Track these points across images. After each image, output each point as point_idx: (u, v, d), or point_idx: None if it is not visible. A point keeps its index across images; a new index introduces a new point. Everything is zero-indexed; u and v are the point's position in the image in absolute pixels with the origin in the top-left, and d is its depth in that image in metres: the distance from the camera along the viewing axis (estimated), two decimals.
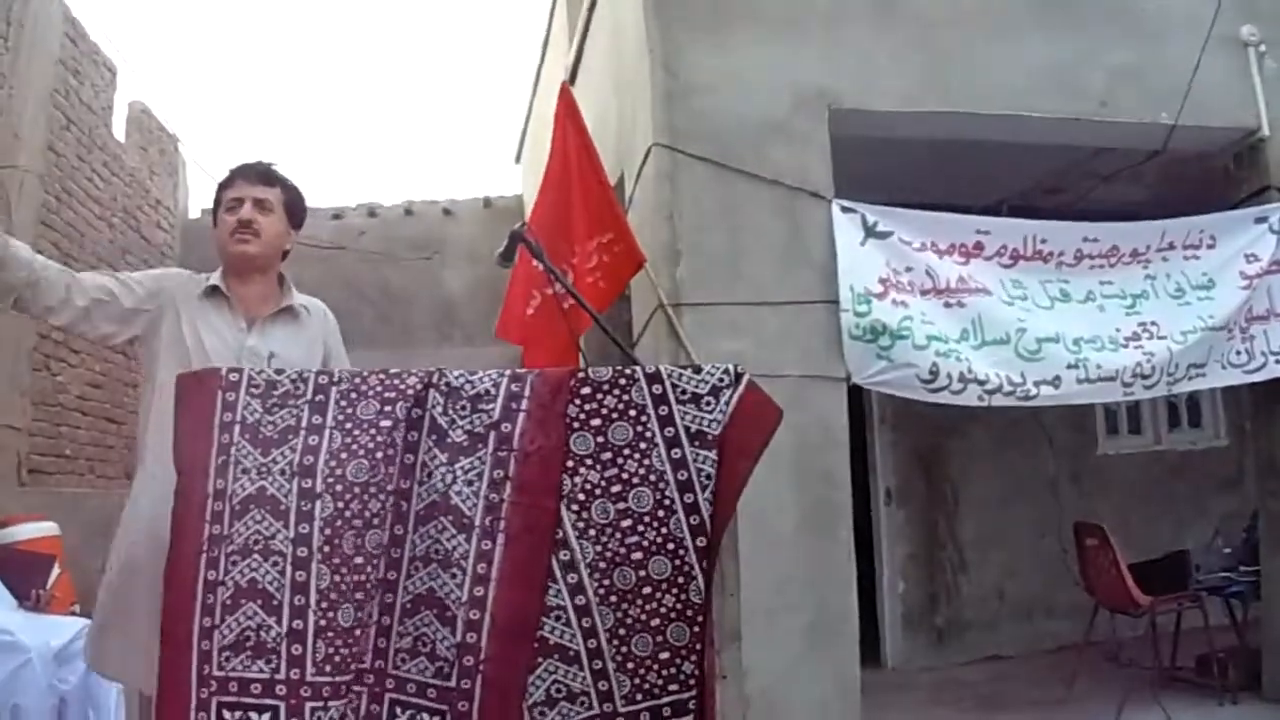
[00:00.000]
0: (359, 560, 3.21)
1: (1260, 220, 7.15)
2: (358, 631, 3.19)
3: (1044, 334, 6.55)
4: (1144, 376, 6.69)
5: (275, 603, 3.14)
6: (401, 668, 3.20)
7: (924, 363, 6.20)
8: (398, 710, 3.19)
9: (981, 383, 6.31)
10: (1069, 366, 6.54)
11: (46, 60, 9.01)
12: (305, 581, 3.16)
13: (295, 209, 4.19)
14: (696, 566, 3.27)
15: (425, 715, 3.16)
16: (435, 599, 3.16)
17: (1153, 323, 6.83)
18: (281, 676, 3.13)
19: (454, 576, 3.17)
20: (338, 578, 3.18)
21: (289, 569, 3.17)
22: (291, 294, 4.14)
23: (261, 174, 4.09)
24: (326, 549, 3.19)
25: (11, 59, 8.27)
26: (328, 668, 3.14)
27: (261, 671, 3.12)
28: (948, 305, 6.43)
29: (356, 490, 3.23)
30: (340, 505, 3.22)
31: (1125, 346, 6.72)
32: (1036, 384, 6.47)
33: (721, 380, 3.35)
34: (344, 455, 3.26)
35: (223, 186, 4.13)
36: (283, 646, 3.13)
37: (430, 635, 3.16)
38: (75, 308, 3.81)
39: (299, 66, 43.43)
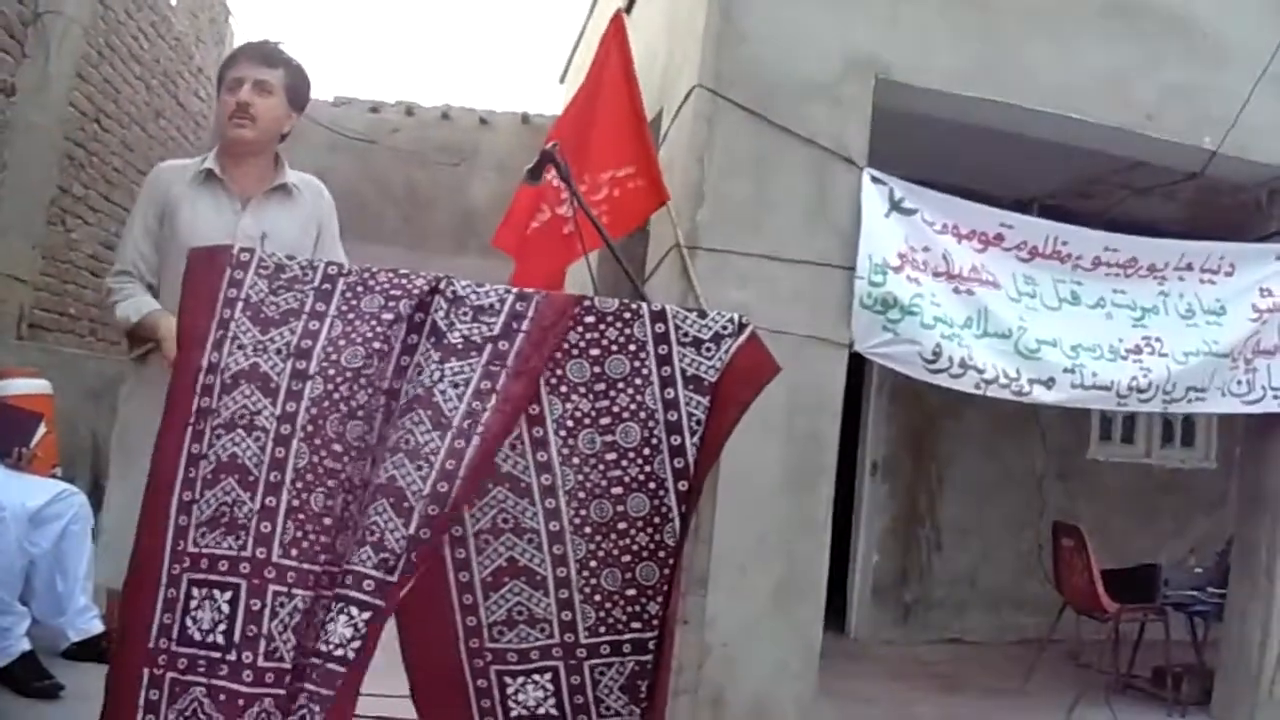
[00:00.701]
0: (338, 448, 3.22)
1: None
2: (327, 520, 3.19)
3: (1044, 336, 6.57)
4: (1139, 390, 6.72)
5: (251, 478, 3.16)
6: (348, 558, 3.08)
7: (928, 342, 6.21)
8: (331, 604, 3.05)
9: (980, 371, 6.33)
10: (1065, 370, 6.57)
11: None
12: (284, 458, 3.18)
13: (298, 91, 4.20)
14: (675, 509, 3.31)
15: (354, 609, 2.99)
16: (395, 488, 3.07)
17: (1157, 338, 6.85)
18: (247, 554, 3.14)
19: (419, 469, 3.09)
20: (315, 459, 3.20)
21: (270, 444, 3.19)
22: (285, 172, 4.19)
23: (265, 55, 4.12)
24: (310, 428, 3.21)
25: None
26: (294, 552, 3.15)
27: (229, 549, 3.13)
28: (957, 291, 6.43)
29: (349, 375, 3.25)
30: (330, 388, 3.24)
31: (1124, 359, 6.75)
32: (1031, 382, 6.50)
33: (725, 328, 3.37)
34: (341, 342, 3.28)
35: (226, 64, 4.19)
36: (252, 523, 3.15)
37: (381, 524, 3.05)
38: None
39: None
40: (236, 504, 3.15)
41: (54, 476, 6.06)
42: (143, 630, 3.13)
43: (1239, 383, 7.05)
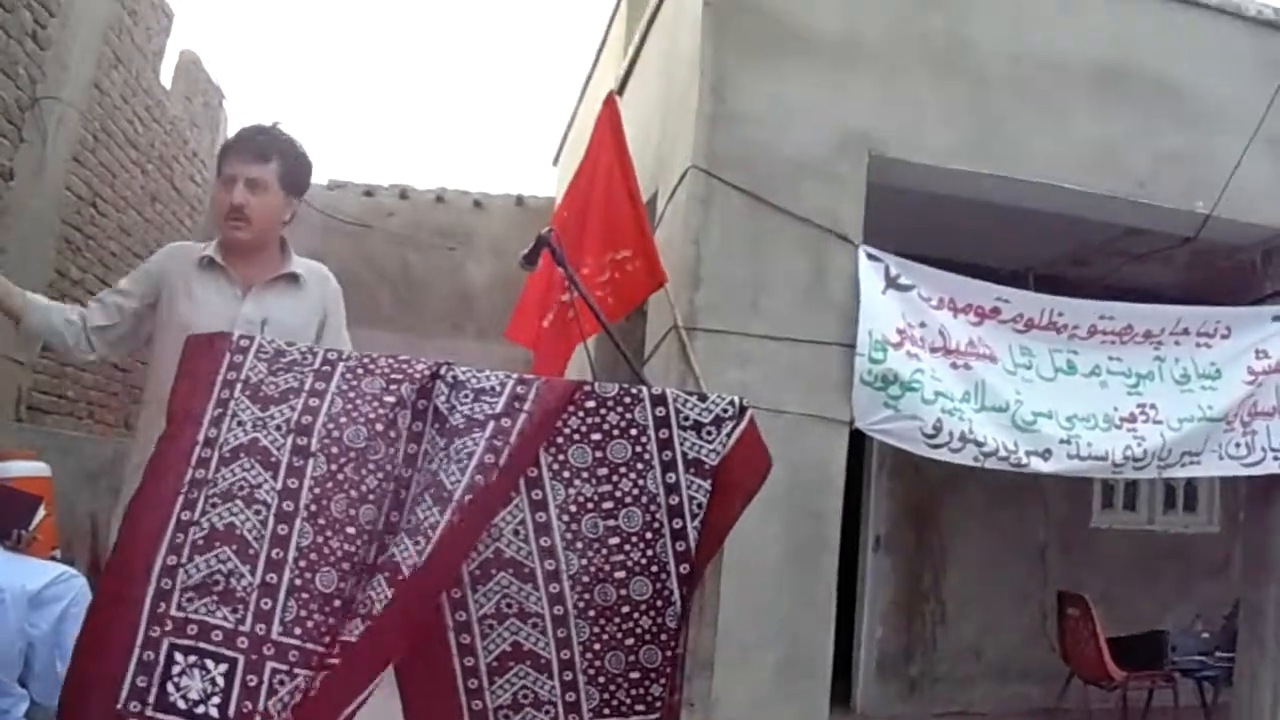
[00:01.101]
0: (351, 530, 3.16)
1: (1278, 319, 7.21)
2: (337, 602, 3.11)
3: (1040, 408, 6.61)
4: (1135, 459, 6.75)
5: (251, 551, 3.08)
6: (339, 630, 3.04)
7: (929, 417, 6.23)
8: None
9: (979, 444, 6.35)
10: (1061, 442, 6.61)
11: None
12: (286, 536, 3.11)
13: (295, 179, 4.12)
14: (676, 592, 3.27)
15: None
16: (392, 564, 3.04)
17: (1152, 405, 6.88)
18: (246, 628, 3.03)
19: (417, 544, 3.06)
20: (321, 539, 3.13)
21: (271, 520, 3.12)
22: (291, 260, 4.13)
23: (257, 150, 4.02)
24: (314, 508, 3.14)
25: None
26: (298, 630, 3.06)
27: (226, 620, 3.04)
28: (954, 366, 6.47)
29: (352, 456, 3.20)
30: (333, 468, 3.19)
31: (1119, 427, 6.77)
32: (1029, 454, 6.53)
33: (725, 411, 3.35)
34: (343, 420, 3.24)
35: (222, 154, 4.12)
36: (252, 597, 3.06)
37: (374, 598, 3.02)
38: (91, 345, 4.04)
39: (352, 39, 43.47)
40: (234, 575, 3.07)
41: (53, 559, 6.01)
42: (109, 686, 3.01)
43: (1237, 445, 7.05)
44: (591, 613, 3.29)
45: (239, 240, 4.00)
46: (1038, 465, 6.58)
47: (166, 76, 10.87)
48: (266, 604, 3.08)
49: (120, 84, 9.47)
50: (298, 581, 3.11)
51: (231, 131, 12.41)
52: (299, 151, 4.15)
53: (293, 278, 4.09)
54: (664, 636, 3.29)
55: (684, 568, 3.28)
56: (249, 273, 4.03)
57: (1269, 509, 7.42)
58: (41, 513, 6.09)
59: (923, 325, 6.44)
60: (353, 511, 3.18)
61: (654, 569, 3.28)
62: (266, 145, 4.06)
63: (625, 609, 3.28)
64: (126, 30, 9.50)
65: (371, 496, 3.21)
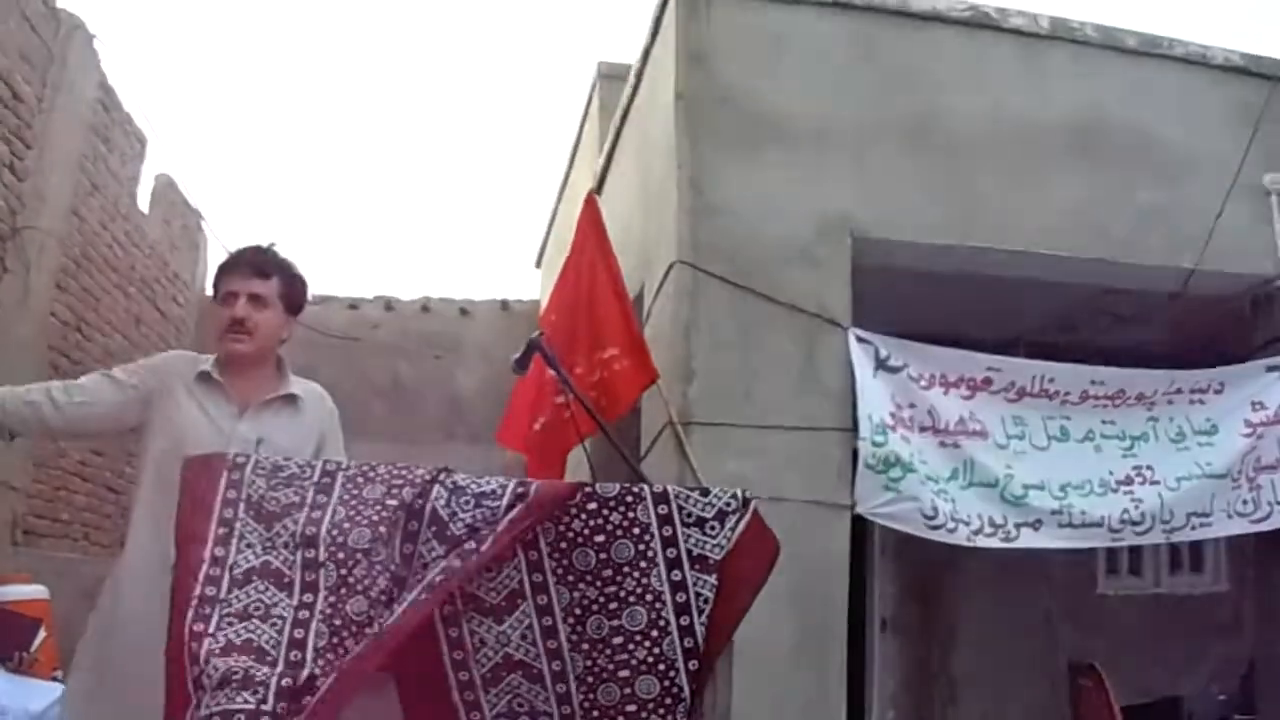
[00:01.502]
0: (357, 625, 3.18)
1: (1272, 369, 7.17)
2: None
3: (1031, 480, 6.62)
4: (1134, 523, 6.71)
5: (270, 658, 3.11)
6: None
7: (926, 499, 6.23)
8: None
9: (967, 523, 6.36)
10: (1052, 512, 6.59)
11: (78, 125, 9.08)
12: (303, 639, 3.15)
13: (294, 297, 4.14)
14: (686, 689, 3.28)
15: None
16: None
17: (1148, 467, 6.85)
18: (269, 708, 3.03)
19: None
20: (335, 640, 3.16)
21: (288, 629, 3.16)
22: (288, 381, 4.11)
23: (257, 267, 4.05)
24: (328, 611, 3.19)
25: (44, 121, 8.33)
26: None
27: (247, 702, 3.05)
28: (943, 445, 6.49)
29: (359, 557, 3.23)
30: (344, 573, 3.22)
31: (1115, 491, 6.75)
32: (1018, 526, 6.52)
33: (728, 505, 3.37)
34: (347, 525, 3.27)
35: (220, 273, 4.12)
36: (272, 681, 3.06)
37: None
38: (57, 428, 4.06)
39: (327, 154, 43.76)
40: (251, 670, 3.07)
41: (55, 679, 6.08)
42: None
43: (1244, 502, 6.95)
44: (596, 713, 3.32)
45: (239, 353, 3.99)
46: (1028, 538, 6.55)
47: (144, 201, 10.97)
48: (287, 682, 3.09)
49: (98, 210, 9.58)
50: (316, 671, 3.13)
51: (212, 252, 12.56)
52: (296, 272, 4.18)
53: (290, 398, 4.07)
54: None
55: (693, 664, 3.29)
56: (246, 391, 4.02)
57: (1278, 563, 7.36)
58: (42, 634, 6.20)
59: (912, 406, 6.48)
60: (366, 612, 3.20)
61: (661, 667, 3.29)
62: (266, 263, 4.09)
63: (631, 708, 3.30)
64: (101, 157, 9.62)
65: (383, 598, 3.22)
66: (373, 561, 3.22)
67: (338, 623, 3.18)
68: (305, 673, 3.10)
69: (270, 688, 3.06)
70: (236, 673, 3.06)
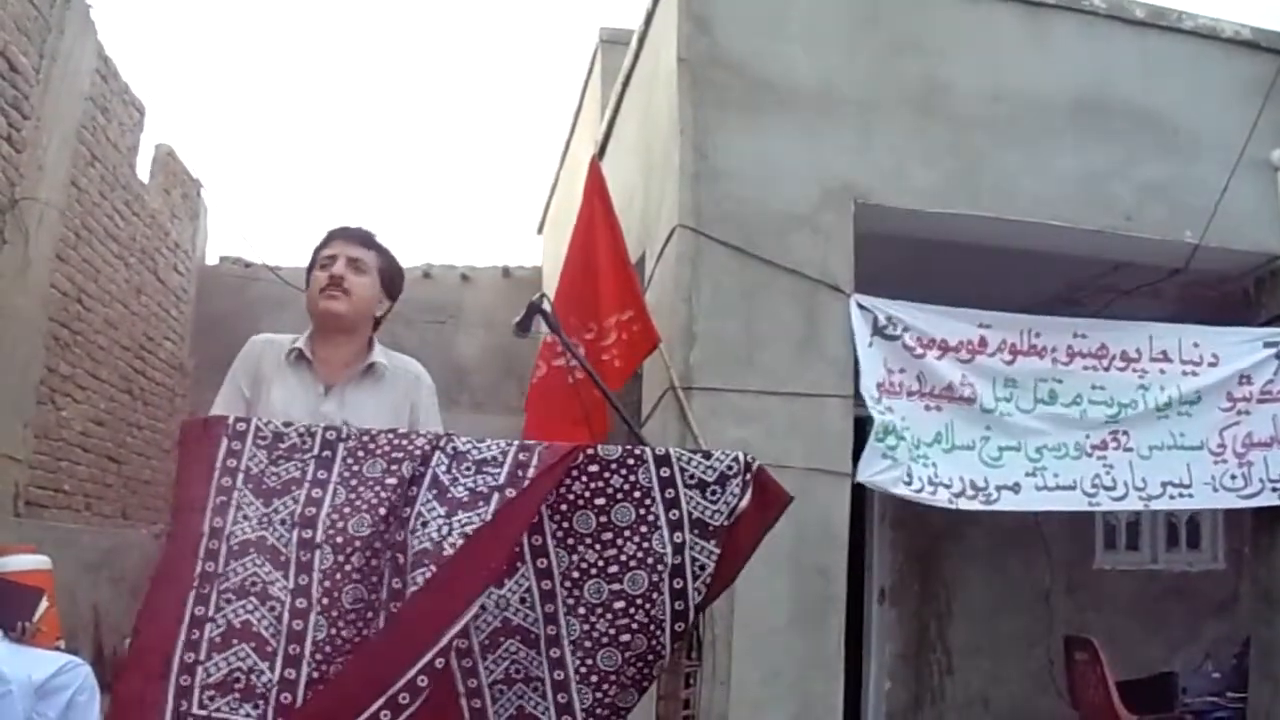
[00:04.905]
0: (352, 615, 3.18)
1: (1270, 344, 7.15)
2: None
3: (1006, 442, 6.62)
4: (1107, 488, 6.72)
5: (270, 649, 3.11)
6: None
7: (906, 463, 6.25)
8: None
9: (948, 486, 6.35)
10: (1028, 474, 6.60)
11: (76, 96, 9.08)
12: (302, 631, 3.14)
13: (392, 277, 4.13)
14: (667, 647, 3.29)
15: None
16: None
17: (1124, 432, 6.85)
18: None
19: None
20: (334, 631, 3.16)
21: (286, 616, 3.15)
22: (374, 353, 4.05)
23: (360, 237, 4.05)
24: (325, 601, 3.18)
25: (41, 91, 8.31)
26: None
27: (248, 716, 3.07)
28: (927, 409, 6.50)
29: (358, 545, 3.22)
30: (340, 559, 3.21)
31: (1089, 455, 6.75)
32: (998, 489, 6.54)
33: (730, 468, 3.34)
34: (346, 510, 3.26)
35: (319, 247, 4.07)
36: (272, 693, 3.09)
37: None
38: None
39: (328, 122, 43.66)
40: (254, 672, 3.09)
41: (58, 649, 6.12)
42: None
43: (1233, 476, 6.96)
44: (594, 678, 3.29)
45: (334, 310, 3.93)
46: (1008, 500, 6.56)
47: (144, 170, 10.95)
48: (286, 699, 3.12)
49: (97, 180, 9.57)
50: (315, 674, 3.15)
51: (212, 220, 12.52)
52: (395, 258, 4.18)
53: (376, 371, 4.01)
54: (645, 684, 3.31)
55: (679, 626, 3.29)
56: (334, 368, 3.97)
57: (1275, 543, 7.34)
58: (44, 604, 6.20)
59: (902, 371, 6.48)
60: (362, 600, 3.19)
61: (652, 628, 3.27)
62: (370, 238, 4.10)
63: (630, 671, 3.27)
64: (100, 128, 9.61)
65: (375, 577, 3.22)
66: (369, 547, 3.22)
67: (334, 614, 3.17)
68: (303, 677, 3.11)
69: (270, 701, 3.08)
70: (238, 678, 3.08)
